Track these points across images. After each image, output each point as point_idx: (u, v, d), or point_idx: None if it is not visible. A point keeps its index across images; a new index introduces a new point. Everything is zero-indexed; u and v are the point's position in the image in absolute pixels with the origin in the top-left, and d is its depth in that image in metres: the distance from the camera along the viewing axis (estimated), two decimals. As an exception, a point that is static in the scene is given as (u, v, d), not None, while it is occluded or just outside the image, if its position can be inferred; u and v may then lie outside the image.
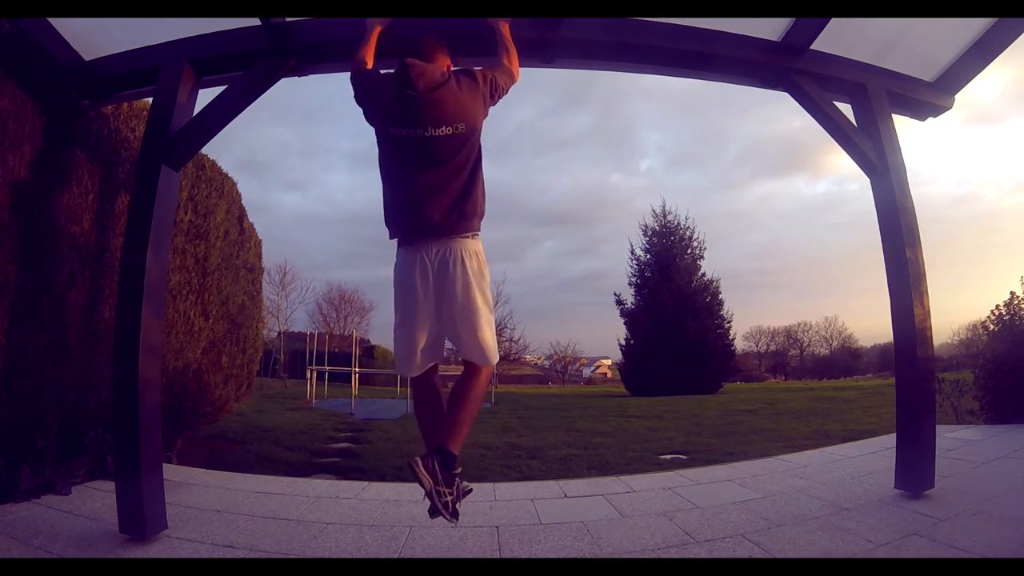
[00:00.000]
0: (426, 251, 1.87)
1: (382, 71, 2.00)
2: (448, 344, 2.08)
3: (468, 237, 1.90)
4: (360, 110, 1.96)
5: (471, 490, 1.88)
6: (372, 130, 1.95)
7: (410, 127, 1.82)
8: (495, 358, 1.96)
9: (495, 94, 1.99)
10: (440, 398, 2.05)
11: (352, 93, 1.99)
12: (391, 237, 1.98)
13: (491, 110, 2.00)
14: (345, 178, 77.75)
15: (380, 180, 1.97)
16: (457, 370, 2.15)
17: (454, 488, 1.77)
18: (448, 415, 1.92)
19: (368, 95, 1.93)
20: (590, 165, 78.49)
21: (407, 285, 1.90)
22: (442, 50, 2.04)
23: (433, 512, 1.75)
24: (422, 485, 1.72)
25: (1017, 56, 3.22)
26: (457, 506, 1.78)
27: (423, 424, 2.06)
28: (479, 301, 1.87)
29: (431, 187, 1.85)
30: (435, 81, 1.82)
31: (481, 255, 1.92)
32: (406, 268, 1.91)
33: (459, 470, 1.82)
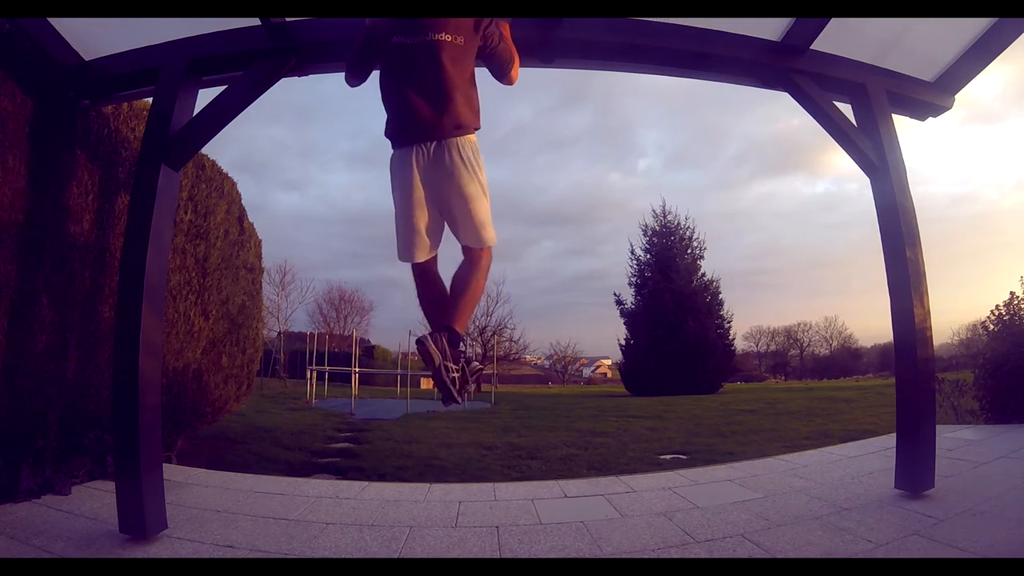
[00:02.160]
0: (422, 145, 1.95)
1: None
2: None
3: (462, 133, 1.96)
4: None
5: (482, 368, 2.00)
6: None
7: (415, 34, 1.95)
8: (492, 240, 2.03)
9: (489, 42, 2.06)
10: (440, 285, 2.14)
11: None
12: (393, 146, 2.04)
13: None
14: (343, 178, 77.45)
15: (382, 103, 2.04)
16: None
17: (460, 366, 1.88)
18: (452, 300, 2.02)
19: (379, 23, 2.04)
20: (588, 164, 78.28)
21: (403, 177, 1.98)
22: None
23: (446, 399, 1.87)
24: (432, 360, 1.82)
25: (1017, 56, 3.22)
26: (465, 392, 1.91)
27: (426, 310, 2.16)
28: (472, 185, 1.95)
29: (429, 88, 1.93)
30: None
31: (474, 145, 1.99)
32: (402, 161, 1.99)
33: (464, 349, 1.93)
